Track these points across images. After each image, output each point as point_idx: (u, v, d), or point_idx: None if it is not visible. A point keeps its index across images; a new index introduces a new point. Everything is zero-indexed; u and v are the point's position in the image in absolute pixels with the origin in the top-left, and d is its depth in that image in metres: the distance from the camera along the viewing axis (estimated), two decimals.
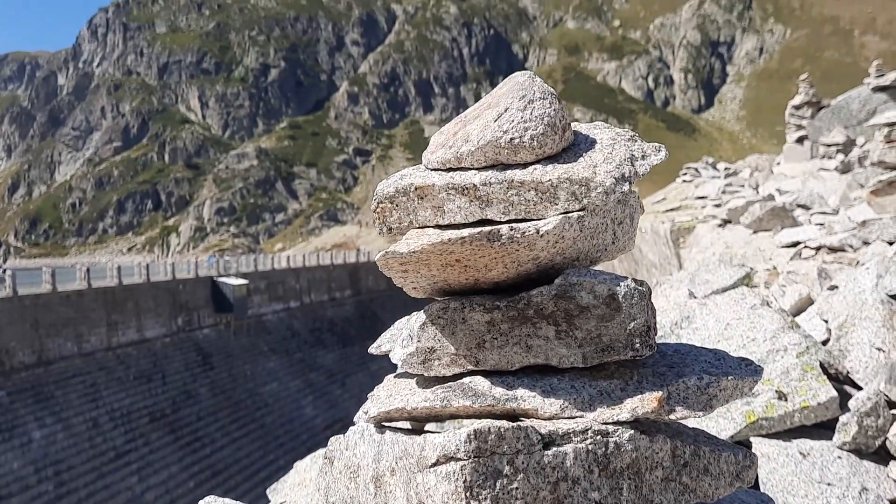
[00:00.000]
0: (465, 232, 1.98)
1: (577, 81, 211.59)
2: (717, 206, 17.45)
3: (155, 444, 31.22)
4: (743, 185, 20.45)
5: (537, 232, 1.96)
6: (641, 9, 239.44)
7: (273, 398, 40.36)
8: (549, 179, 2.00)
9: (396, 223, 2.19)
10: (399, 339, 2.28)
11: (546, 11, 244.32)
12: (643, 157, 2.09)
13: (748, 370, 2.20)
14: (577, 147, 2.12)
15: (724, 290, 5.18)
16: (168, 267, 41.81)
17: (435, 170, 2.17)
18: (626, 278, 2.09)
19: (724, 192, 19.33)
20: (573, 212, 2.00)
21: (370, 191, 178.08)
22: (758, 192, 18.03)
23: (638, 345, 2.07)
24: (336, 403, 44.21)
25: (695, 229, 15.77)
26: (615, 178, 2.00)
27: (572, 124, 2.15)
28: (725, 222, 12.69)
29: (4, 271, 29.86)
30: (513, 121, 2.03)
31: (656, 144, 2.13)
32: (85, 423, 29.60)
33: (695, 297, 5.22)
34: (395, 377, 2.44)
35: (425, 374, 2.19)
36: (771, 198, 11.59)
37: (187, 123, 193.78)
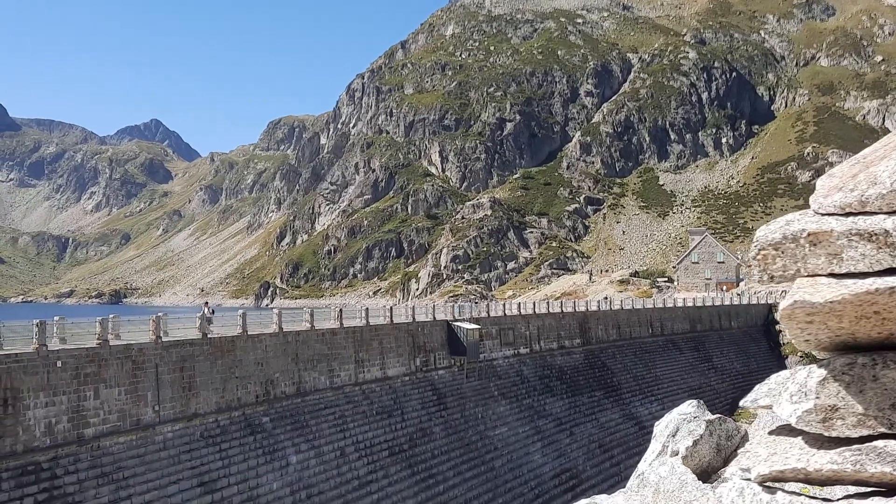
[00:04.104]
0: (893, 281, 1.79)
1: (832, 122, 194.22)
2: None
3: (394, 477, 33.07)
4: None
5: None
6: None
7: (502, 442, 40.99)
8: None
9: (780, 271, 2.03)
10: (785, 395, 2.12)
11: (795, 50, 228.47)
12: None
13: None
14: None
15: None
16: (408, 310, 44.56)
17: (829, 214, 1.99)
18: None
19: None
20: None
21: (600, 240, 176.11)
22: None
23: None
24: (564, 452, 43.80)
25: None
26: None
27: None
28: None
29: (213, 311, 32.91)
30: None
31: None
32: (333, 452, 32.17)
33: None
34: (770, 434, 2.31)
35: (825, 434, 2.02)
36: None
37: (429, 176, 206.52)
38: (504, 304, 57.02)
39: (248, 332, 31.77)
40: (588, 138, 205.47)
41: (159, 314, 28.91)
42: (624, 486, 2.71)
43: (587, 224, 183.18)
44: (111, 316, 27.39)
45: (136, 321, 28.84)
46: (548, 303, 61.72)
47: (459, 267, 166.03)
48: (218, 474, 26.93)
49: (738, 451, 2.24)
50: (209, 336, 29.80)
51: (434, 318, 44.80)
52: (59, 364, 23.94)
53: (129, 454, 25.10)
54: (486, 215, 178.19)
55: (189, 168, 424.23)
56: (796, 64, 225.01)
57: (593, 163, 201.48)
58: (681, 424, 2.93)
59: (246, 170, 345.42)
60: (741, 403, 2.44)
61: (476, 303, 68.97)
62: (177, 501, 24.84)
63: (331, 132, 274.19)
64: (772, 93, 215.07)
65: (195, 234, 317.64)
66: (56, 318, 25.93)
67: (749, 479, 2.11)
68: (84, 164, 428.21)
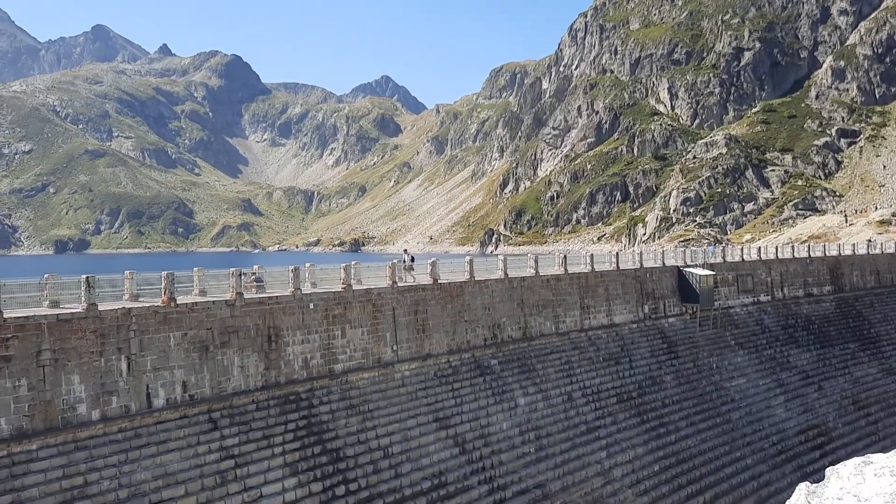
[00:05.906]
0: None
1: None
2: None
3: (622, 424, 32.64)
4: None
5: None
6: None
7: (740, 394, 38.73)
8: None
9: None
10: None
11: None
12: None
13: None
14: None
15: None
16: (635, 255, 43.16)
17: None
18: None
19: None
20: None
21: (856, 176, 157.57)
22: None
23: None
24: (811, 408, 40.41)
25: None
26: None
27: None
28: None
29: (413, 259, 32.56)
30: None
31: None
32: (561, 396, 32.41)
33: None
34: None
35: None
36: None
37: (656, 115, 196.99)
38: (741, 249, 53.27)
39: (476, 278, 32.68)
40: (842, 63, 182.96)
41: (394, 261, 30.62)
42: (886, 445, 2.55)
43: (840, 159, 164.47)
44: (353, 263, 29.51)
45: (373, 267, 30.78)
46: (793, 247, 56.72)
47: (690, 210, 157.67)
48: (451, 412, 28.30)
49: None
50: (439, 281, 31.09)
51: (663, 263, 43.09)
52: (311, 306, 26.35)
53: (373, 389, 27.17)
54: (720, 154, 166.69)
55: (416, 121, 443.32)
56: None
57: (848, 90, 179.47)
58: None
59: (469, 119, 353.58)
60: None
61: (719, 245, 65.23)
62: (415, 435, 26.52)
63: (553, 76, 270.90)
64: None
65: (423, 185, 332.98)
66: (307, 264, 28.46)
67: None
68: (324, 122, 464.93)
